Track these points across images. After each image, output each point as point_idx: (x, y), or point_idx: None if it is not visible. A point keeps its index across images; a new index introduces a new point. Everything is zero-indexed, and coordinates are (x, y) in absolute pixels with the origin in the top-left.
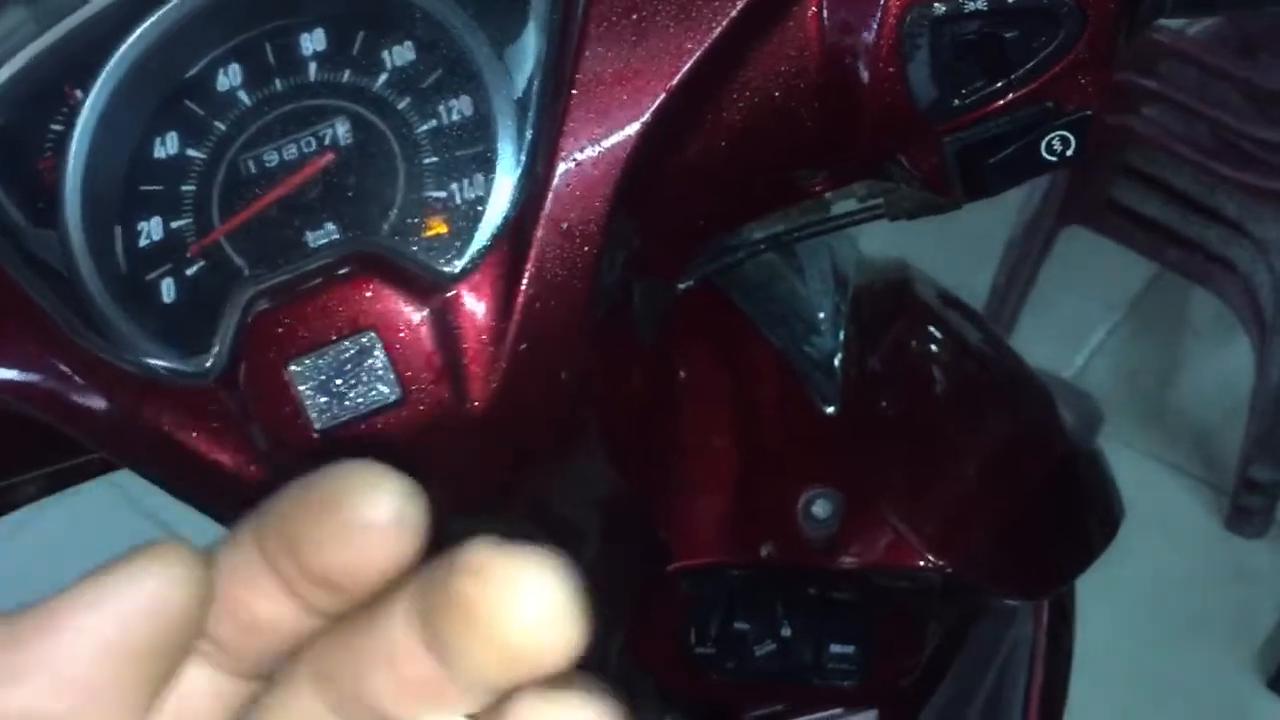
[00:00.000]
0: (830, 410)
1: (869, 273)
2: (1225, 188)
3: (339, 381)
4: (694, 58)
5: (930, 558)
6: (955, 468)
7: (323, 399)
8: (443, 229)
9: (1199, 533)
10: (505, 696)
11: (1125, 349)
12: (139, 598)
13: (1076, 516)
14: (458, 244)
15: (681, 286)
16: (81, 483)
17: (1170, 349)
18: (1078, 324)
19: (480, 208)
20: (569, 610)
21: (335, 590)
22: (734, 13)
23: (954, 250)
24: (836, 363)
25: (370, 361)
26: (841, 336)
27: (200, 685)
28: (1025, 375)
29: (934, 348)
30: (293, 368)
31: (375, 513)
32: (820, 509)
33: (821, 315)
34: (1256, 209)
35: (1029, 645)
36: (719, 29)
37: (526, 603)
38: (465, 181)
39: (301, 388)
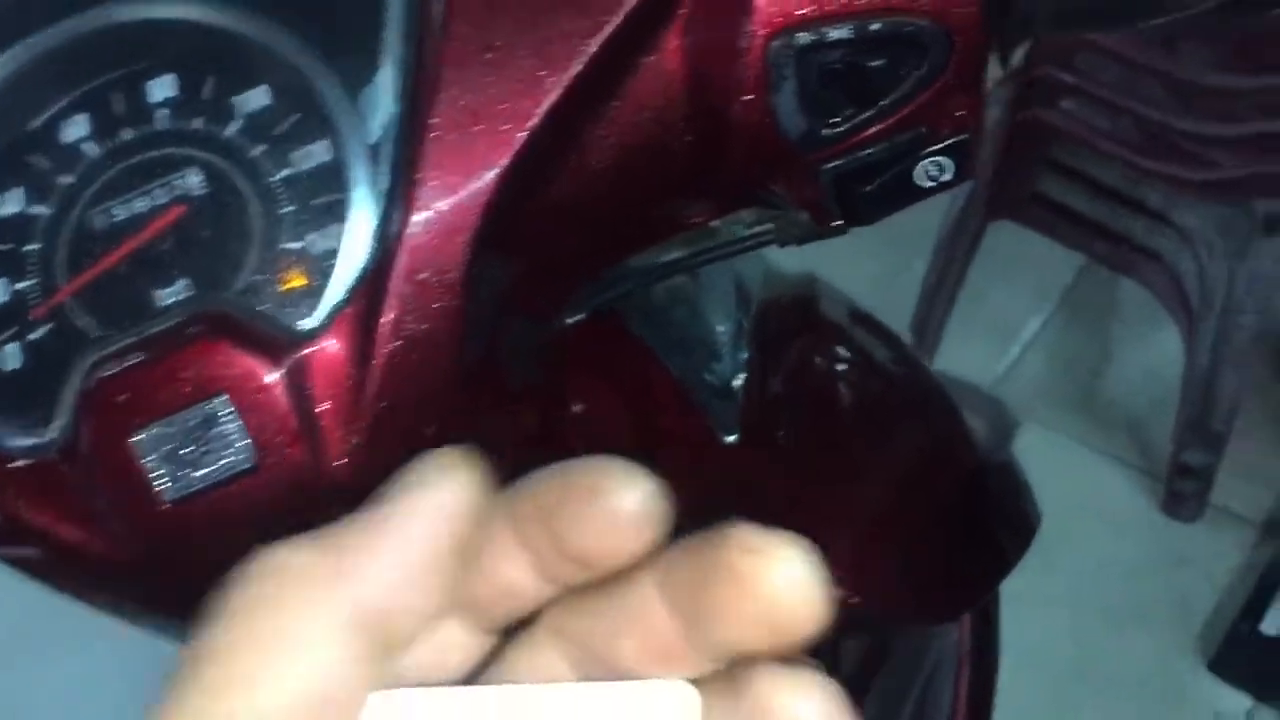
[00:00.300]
0: (730, 440)
1: (776, 287)
2: (1149, 180)
3: (188, 450)
4: (552, 97)
5: (837, 592)
6: (860, 495)
7: (171, 469)
8: (300, 281)
9: (1136, 519)
10: (737, 664)
11: (1058, 340)
12: (445, 501)
13: (988, 529)
14: (314, 297)
15: (569, 320)
16: None
17: (1101, 338)
18: (1010, 317)
19: (335, 259)
20: (819, 590)
21: (586, 567)
22: (593, 48)
23: (888, 245)
24: (737, 389)
25: (221, 428)
26: (743, 359)
27: (451, 637)
28: (932, 390)
29: (838, 368)
30: (138, 437)
31: (632, 504)
32: None
33: (722, 339)
34: (1180, 200)
35: (954, 656)
36: (578, 66)
37: (790, 577)
38: (321, 231)
39: (148, 458)
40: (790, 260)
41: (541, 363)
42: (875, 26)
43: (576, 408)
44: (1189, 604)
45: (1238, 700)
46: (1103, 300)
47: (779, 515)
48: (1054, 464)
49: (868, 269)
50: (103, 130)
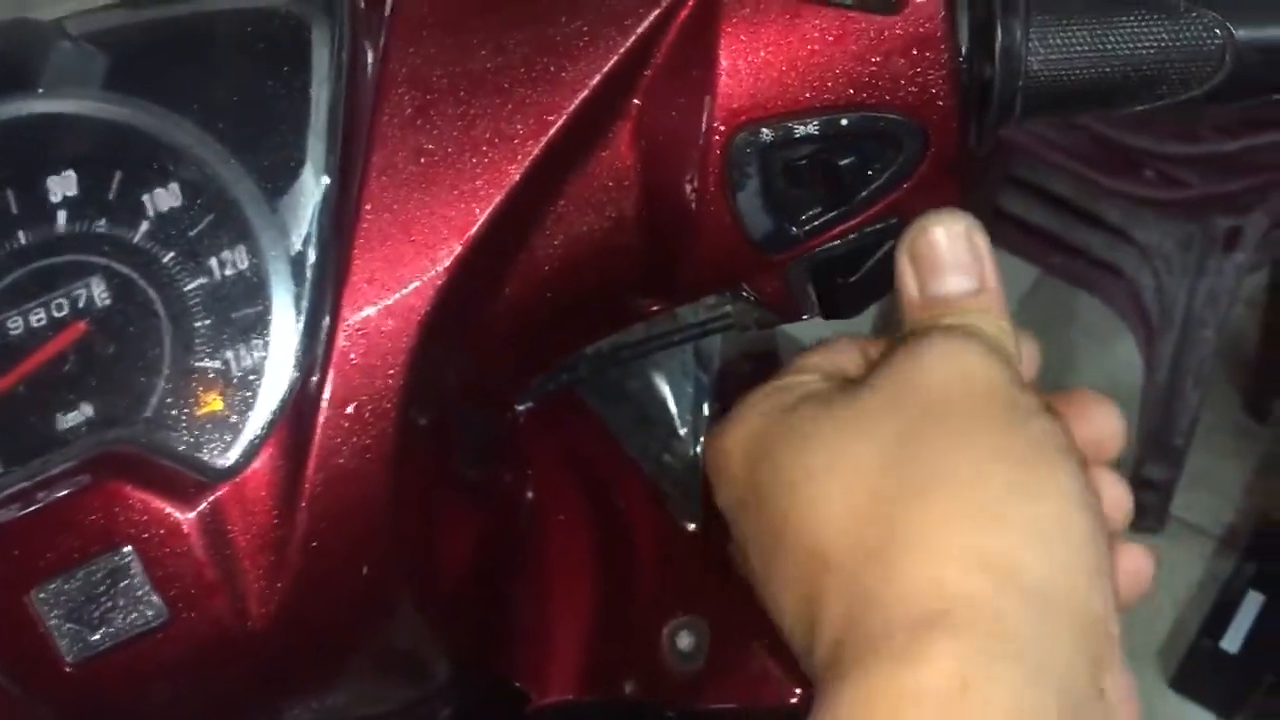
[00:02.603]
0: (691, 527)
1: (734, 344)
2: (1109, 196)
3: (92, 607)
4: (493, 204)
5: (800, 693)
6: None
7: (73, 628)
8: (217, 405)
9: None
10: None
11: None
12: None
13: None
14: (233, 425)
15: (520, 408)
16: None
17: (1060, 350)
18: None
19: (255, 386)
20: None
21: None
22: (539, 150)
23: None
24: (698, 470)
25: (128, 582)
26: (703, 438)
27: None
28: None
29: None
30: (37, 595)
31: None
32: (685, 641)
33: (681, 415)
34: (1139, 214)
35: None
36: (521, 169)
37: None
38: (240, 348)
39: (48, 617)
40: None
41: (495, 451)
42: (844, 122)
43: (535, 496)
44: (1149, 619)
45: (1200, 718)
46: (1061, 310)
47: (744, 610)
48: None
49: None
50: None
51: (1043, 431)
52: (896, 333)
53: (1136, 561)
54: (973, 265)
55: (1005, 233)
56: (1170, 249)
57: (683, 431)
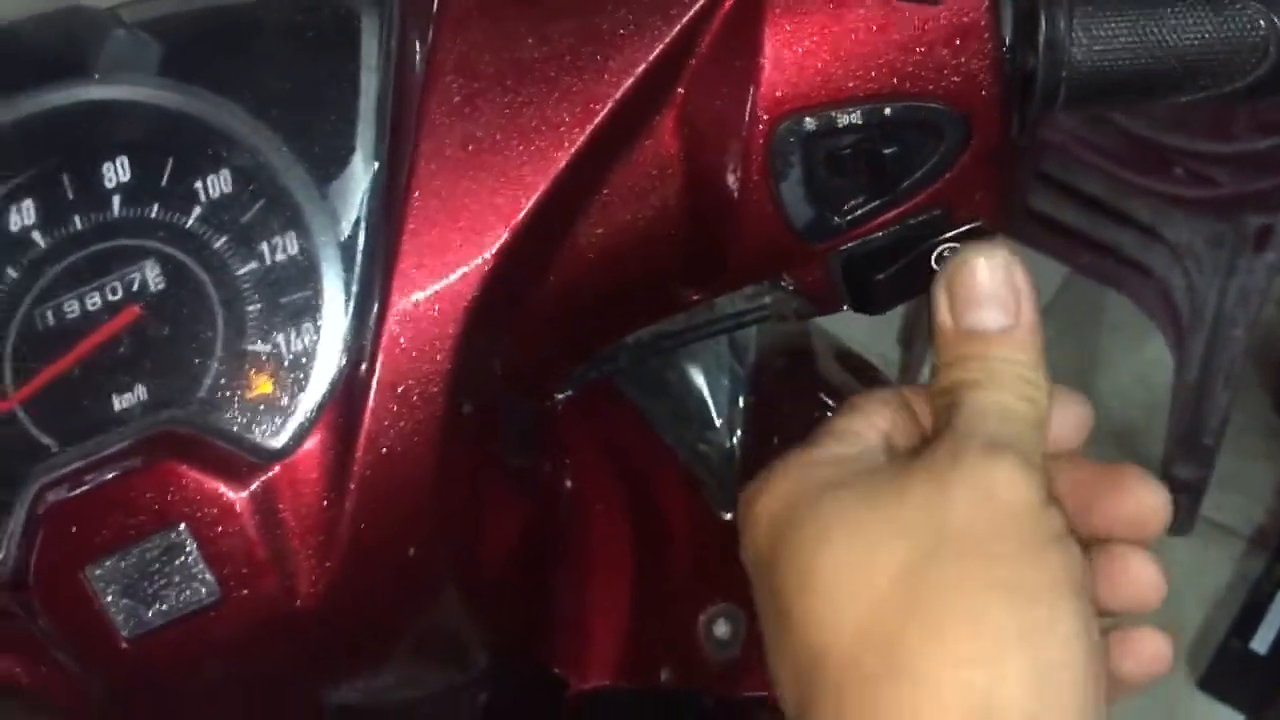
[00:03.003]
0: (728, 516)
1: (769, 335)
2: (1139, 194)
3: (147, 584)
4: (539, 191)
5: None
6: None
7: (129, 604)
8: (268, 388)
9: None
10: None
11: (1046, 349)
12: None
13: None
14: (284, 407)
15: (560, 396)
16: None
17: (1089, 349)
18: None
19: (306, 368)
20: None
21: None
22: (584, 138)
23: None
24: (735, 459)
25: (182, 559)
26: (739, 430)
27: None
28: None
29: None
30: (93, 571)
31: None
32: (722, 629)
33: (717, 406)
34: (1169, 214)
35: None
36: (567, 157)
37: None
38: (291, 332)
39: (104, 593)
40: None
41: (536, 439)
42: (888, 111)
43: (574, 485)
44: (1179, 620)
45: (1229, 718)
46: (1090, 309)
47: None
48: None
49: None
50: (52, 218)
51: (1058, 563)
52: (923, 346)
53: (1155, 646)
54: (1009, 300)
55: (1035, 231)
56: (1201, 248)
57: (719, 423)
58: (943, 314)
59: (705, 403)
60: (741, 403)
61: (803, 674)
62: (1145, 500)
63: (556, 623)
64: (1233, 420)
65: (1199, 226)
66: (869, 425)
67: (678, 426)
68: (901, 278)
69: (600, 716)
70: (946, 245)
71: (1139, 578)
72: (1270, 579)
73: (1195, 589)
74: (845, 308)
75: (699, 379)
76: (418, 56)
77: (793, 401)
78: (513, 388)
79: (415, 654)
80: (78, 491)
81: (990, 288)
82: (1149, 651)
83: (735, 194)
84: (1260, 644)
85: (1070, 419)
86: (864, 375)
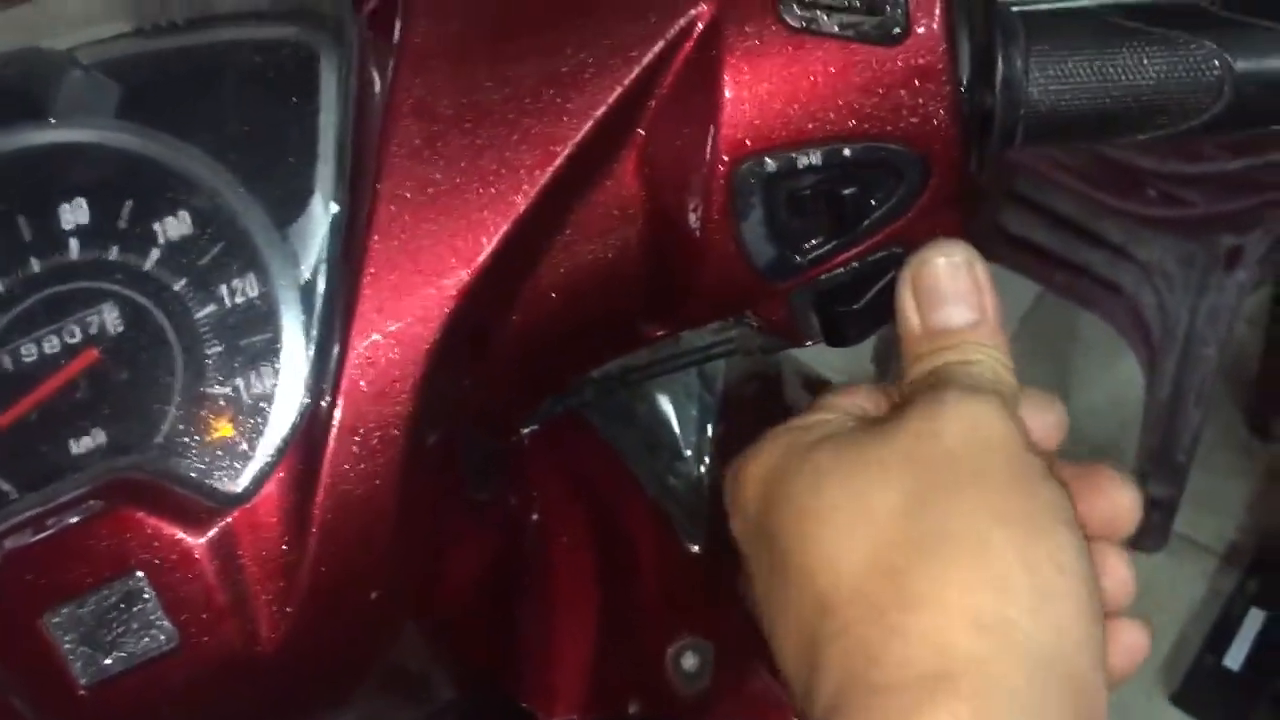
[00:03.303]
0: (695, 549)
1: (737, 366)
2: (1111, 214)
3: (105, 631)
4: (500, 233)
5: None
6: None
7: (86, 651)
8: (227, 431)
9: None
10: None
11: (1017, 367)
12: None
13: None
14: (243, 451)
15: (525, 430)
16: None
17: (1061, 367)
18: None
19: (266, 410)
20: None
21: None
22: (545, 179)
23: None
24: (704, 489)
25: (140, 607)
26: (707, 459)
27: None
28: None
29: None
30: (50, 620)
31: None
32: (689, 662)
33: (686, 437)
34: (1140, 233)
35: None
36: (528, 199)
37: None
38: (251, 375)
39: (62, 641)
40: None
41: (501, 474)
42: (847, 152)
43: (540, 517)
44: (1152, 634)
45: None
46: (1062, 328)
47: (746, 631)
48: None
49: None
50: (8, 260)
51: (1049, 499)
52: (896, 363)
53: (1133, 636)
54: (974, 296)
55: (1007, 250)
56: (1172, 267)
57: (687, 453)
58: (908, 315)
59: (674, 432)
60: (710, 431)
61: (808, 628)
62: (1119, 500)
63: (523, 656)
64: (1205, 437)
65: (1170, 246)
66: (854, 402)
67: (646, 457)
68: (867, 312)
69: None
70: None
71: (1114, 574)
72: (1243, 595)
73: (1168, 605)
74: (810, 343)
75: (667, 408)
76: (377, 98)
77: (762, 429)
78: (477, 424)
79: (378, 691)
80: (35, 538)
81: (953, 285)
82: (1128, 640)
83: (697, 233)
84: (1233, 660)
85: (1047, 420)
86: None
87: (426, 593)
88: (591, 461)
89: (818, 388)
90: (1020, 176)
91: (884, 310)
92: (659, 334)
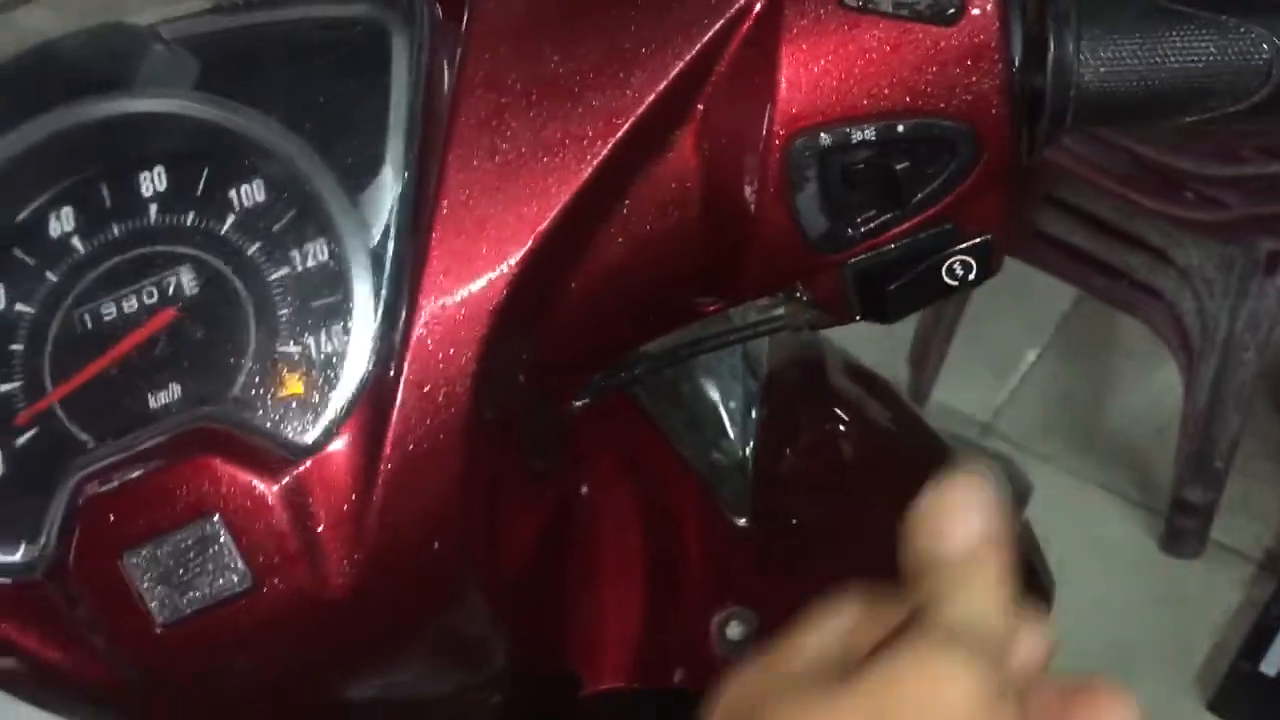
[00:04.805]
0: (742, 522)
1: (781, 350)
2: (1149, 217)
3: (182, 571)
4: (563, 202)
5: None
6: (874, 573)
7: (164, 591)
8: (298, 388)
9: (1135, 556)
10: None
11: (1055, 373)
12: None
13: None
14: (313, 407)
15: (577, 404)
16: None
17: (1100, 370)
18: (1008, 348)
19: (337, 367)
20: None
21: None
22: (607, 151)
23: None
24: (749, 467)
25: (215, 549)
26: (752, 441)
27: None
28: (944, 456)
29: (847, 437)
30: (129, 559)
31: None
32: (735, 630)
33: (732, 412)
34: (1179, 237)
35: None
36: (590, 169)
37: None
38: (322, 335)
39: (140, 580)
40: None
41: (555, 444)
42: (901, 128)
43: (589, 491)
44: (1188, 642)
45: None
46: (1101, 331)
47: (793, 600)
48: (1051, 499)
49: None
50: (91, 225)
51: None
52: (932, 366)
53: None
54: (978, 528)
55: (1045, 253)
56: (1211, 271)
57: (732, 434)
58: (915, 541)
59: (719, 414)
60: (755, 415)
61: None
62: (1118, 714)
63: (571, 625)
64: (1243, 444)
65: (1209, 250)
66: (831, 641)
67: (692, 436)
68: (913, 289)
69: (613, 716)
70: (956, 258)
71: None
72: (1279, 602)
73: (1204, 611)
74: (858, 318)
75: (713, 393)
76: (447, 72)
77: (806, 414)
78: (534, 391)
79: (437, 647)
80: (116, 483)
81: (963, 517)
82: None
83: (753, 206)
84: (1270, 666)
85: (1035, 642)
86: (875, 389)
87: (485, 552)
88: (639, 439)
89: (861, 376)
90: (1059, 179)
91: (924, 291)
92: (711, 308)
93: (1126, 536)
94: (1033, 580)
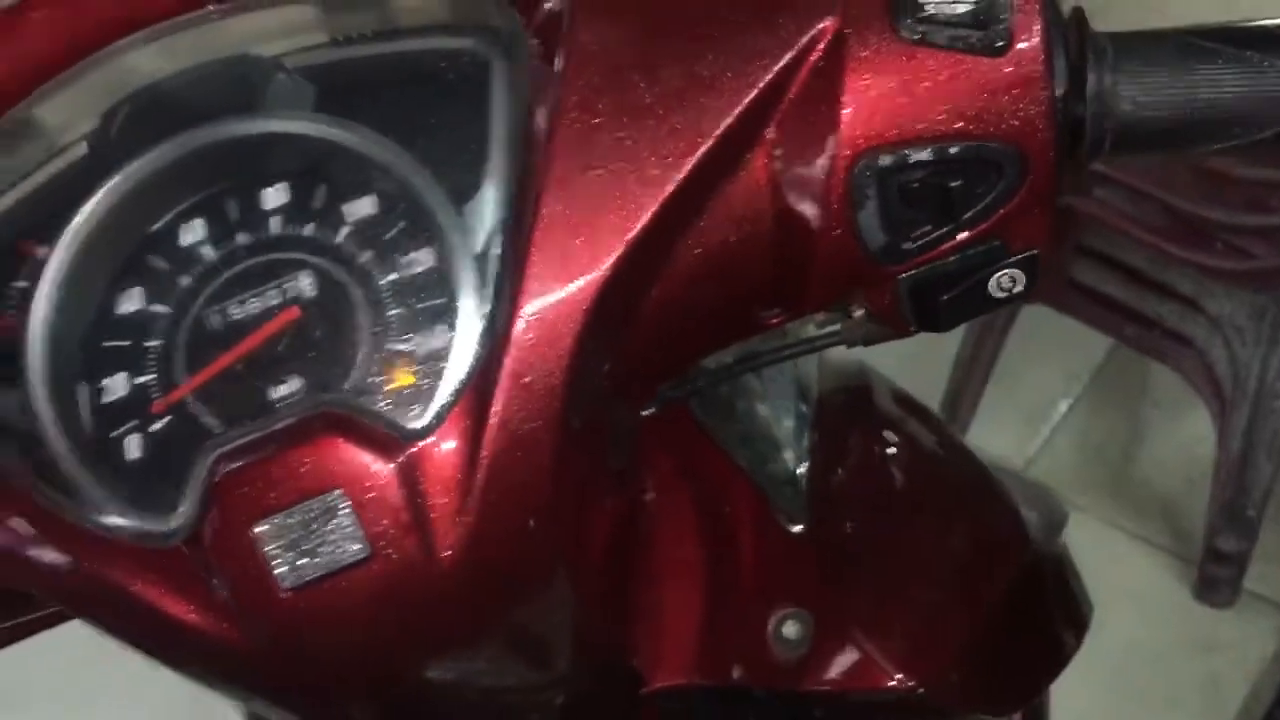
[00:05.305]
0: (797, 529)
1: (830, 378)
2: (1180, 266)
3: (306, 540)
4: (650, 213)
5: (900, 678)
6: (922, 582)
7: (290, 558)
8: (408, 380)
9: (1168, 604)
10: None
11: (1088, 421)
12: None
13: (1046, 622)
14: (422, 396)
15: (644, 413)
16: (43, 630)
17: (1133, 420)
18: (1041, 397)
19: (443, 361)
20: None
21: None
22: (688, 168)
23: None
24: (801, 481)
25: (337, 520)
26: (806, 450)
27: None
28: (987, 480)
29: (896, 458)
30: (260, 528)
31: None
32: (791, 630)
33: (785, 431)
34: (1210, 286)
35: None
36: (673, 184)
37: None
38: (427, 334)
39: (269, 548)
40: None
41: (628, 446)
42: (954, 150)
43: (650, 496)
44: (1221, 690)
45: None
46: (1132, 381)
47: (846, 604)
48: (1084, 547)
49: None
50: (219, 234)
51: None
52: (968, 409)
53: None
54: None
55: (1078, 302)
56: (1243, 320)
57: (786, 454)
58: None
59: (773, 433)
60: (806, 440)
61: None
62: None
63: (634, 624)
64: (1275, 492)
65: (1240, 299)
66: None
67: (746, 449)
68: (963, 300)
69: (674, 712)
70: (1004, 272)
71: None
72: None
73: (1238, 661)
74: (912, 329)
75: (767, 414)
76: (543, 98)
77: (856, 436)
78: (612, 393)
79: (521, 633)
80: (248, 461)
81: None
82: None
83: (818, 221)
84: None
85: None
86: (920, 415)
87: (572, 537)
88: (695, 448)
89: (905, 403)
90: (1090, 228)
91: (977, 301)
92: (774, 320)
93: (1159, 585)
94: (1070, 605)
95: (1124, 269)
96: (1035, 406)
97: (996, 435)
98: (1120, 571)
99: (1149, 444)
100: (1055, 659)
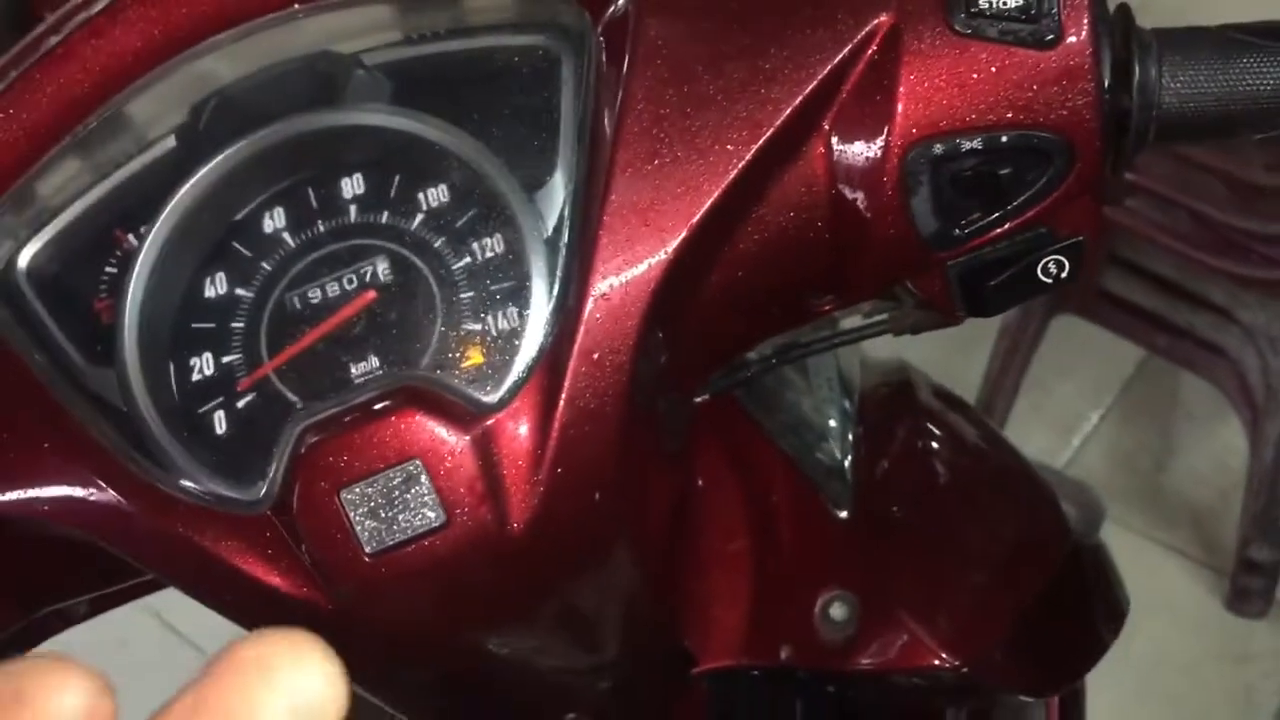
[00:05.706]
0: (843, 514)
1: (871, 375)
2: (1212, 276)
3: (387, 507)
4: (712, 198)
5: (945, 657)
6: (966, 567)
7: (372, 524)
8: (479, 359)
9: (1200, 614)
10: None
11: (1119, 432)
12: None
13: (1085, 610)
14: (495, 373)
15: (697, 400)
16: (129, 602)
17: (1164, 430)
18: (1072, 408)
19: (516, 339)
20: None
21: None
22: (749, 156)
23: (949, 334)
24: (847, 468)
25: (417, 488)
26: (850, 442)
27: None
28: (1028, 472)
29: (939, 449)
30: (344, 495)
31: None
32: (838, 611)
33: (830, 423)
34: (1243, 296)
35: None
36: (735, 171)
37: None
38: (500, 314)
39: (353, 514)
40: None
41: (683, 430)
42: (1005, 139)
43: (700, 482)
44: (1253, 701)
45: None
46: (1164, 392)
47: (892, 587)
48: (1116, 557)
49: (928, 355)
50: (299, 222)
51: None
52: (1004, 404)
53: None
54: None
55: (1109, 313)
56: (1275, 329)
57: (832, 445)
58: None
59: (818, 424)
60: (851, 436)
61: None
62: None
63: (684, 606)
64: None
65: (1274, 308)
66: None
67: (793, 438)
68: (1011, 285)
69: (724, 692)
70: (1051, 258)
71: None
72: None
73: (1270, 671)
74: (961, 315)
75: (812, 408)
76: (613, 89)
77: (899, 429)
78: (670, 376)
79: (586, 606)
80: (332, 433)
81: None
82: None
83: (872, 208)
84: None
85: None
86: (961, 410)
87: (634, 514)
88: (745, 438)
89: (946, 397)
90: (1121, 239)
91: (1024, 286)
92: (826, 307)
93: (1191, 596)
94: (1108, 596)
95: (1155, 279)
96: (1066, 417)
97: (1027, 446)
98: (1152, 582)
99: (1180, 454)
100: (1093, 647)
